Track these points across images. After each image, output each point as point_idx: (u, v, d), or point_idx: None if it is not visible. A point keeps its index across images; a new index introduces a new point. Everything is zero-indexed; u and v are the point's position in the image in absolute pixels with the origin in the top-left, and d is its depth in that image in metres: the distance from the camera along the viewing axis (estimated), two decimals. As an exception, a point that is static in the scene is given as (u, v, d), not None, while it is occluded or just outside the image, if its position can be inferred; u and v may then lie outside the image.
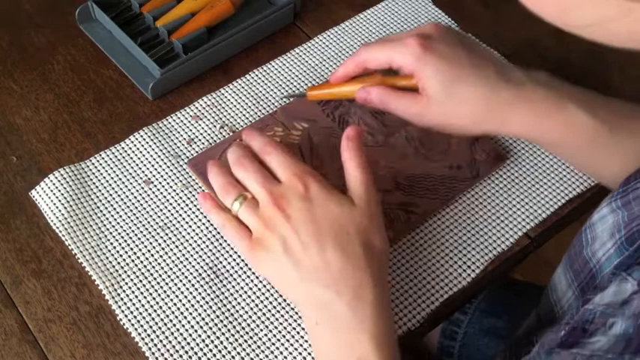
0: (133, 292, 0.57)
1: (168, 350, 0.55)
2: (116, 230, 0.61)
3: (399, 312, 0.58)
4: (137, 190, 0.63)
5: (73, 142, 0.67)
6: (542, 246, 0.64)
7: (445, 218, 0.62)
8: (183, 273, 0.58)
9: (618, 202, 0.48)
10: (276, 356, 0.55)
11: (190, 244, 0.60)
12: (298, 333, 0.56)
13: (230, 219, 0.52)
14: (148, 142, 0.66)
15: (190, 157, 0.65)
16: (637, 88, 0.72)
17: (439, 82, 0.55)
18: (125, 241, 0.60)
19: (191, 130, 0.67)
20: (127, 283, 0.58)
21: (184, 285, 0.58)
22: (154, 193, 0.63)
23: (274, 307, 0.57)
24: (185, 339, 0.55)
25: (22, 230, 0.61)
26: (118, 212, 0.62)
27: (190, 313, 0.56)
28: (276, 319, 0.56)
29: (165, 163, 0.65)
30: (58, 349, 0.55)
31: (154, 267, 0.59)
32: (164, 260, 0.59)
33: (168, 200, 0.63)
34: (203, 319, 0.56)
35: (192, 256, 0.59)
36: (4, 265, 0.59)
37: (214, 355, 0.54)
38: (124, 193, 0.63)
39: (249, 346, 0.55)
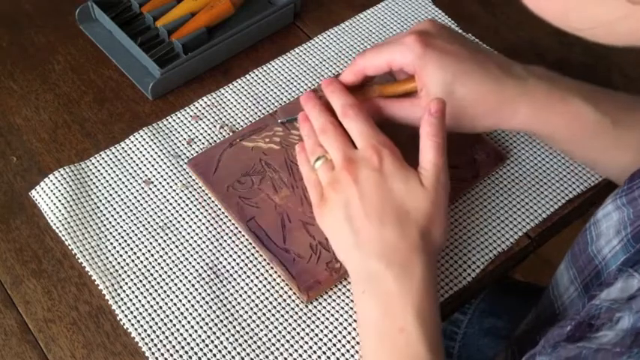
0: (133, 292, 0.57)
1: (168, 350, 0.55)
2: (116, 230, 0.61)
3: (399, 312, 0.58)
4: (137, 190, 0.63)
5: (73, 142, 0.67)
6: (542, 246, 0.64)
7: (445, 218, 0.62)
8: (183, 273, 0.58)
9: (623, 199, 0.48)
10: (276, 357, 0.55)
11: (190, 244, 0.60)
12: (298, 334, 0.56)
13: (311, 173, 0.56)
14: (148, 142, 0.66)
15: (190, 157, 0.65)
16: (637, 88, 0.72)
17: (443, 78, 0.54)
18: (125, 241, 0.60)
19: (191, 130, 0.67)
20: (127, 283, 0.58)
21: (184, 285, 0.58)
22: (153, 193, 0.63)
23: (274, 307, 0.57)
24: (185, 339, 0.55)
25: (22, 230, 0.61)
26: (118, 212, 0.62)
27: (190, 313, 0.56)
28: (276, 319, 0.56)
29: (165, 163, 0.65)
30: (58, 349, 0.55)
31: (153, 267, 0.59)
32: (164, 260, 0.59)
33: (168, 200, 0.63)
34: (203, 319, 0.56)
35: (192, 256, 0.59)
36: (4, 265, 0.59)
37: (214, 355, 0.54)
38: (124, 193, 0.63)
39: (249, 346, 0.55)
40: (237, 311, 0.57)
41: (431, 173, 0.52)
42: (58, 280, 0.58)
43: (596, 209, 0.52)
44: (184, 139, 0.67)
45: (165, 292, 0.57)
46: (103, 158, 0.65)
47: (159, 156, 0.65)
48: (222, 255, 0.60)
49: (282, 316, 0.57)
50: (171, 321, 0.56)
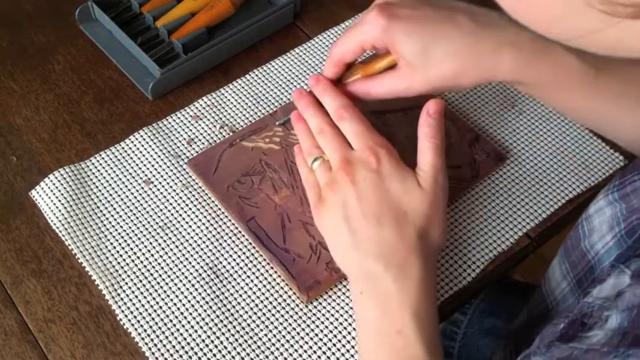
0: (133, 292, 0.57)
1: (168, 350, 0.55)
2: (116, 230, 0.61)
3: (399, 312, 0.58)
4: (137, 190, 0.63)
5: (73, 142, 0.67)
6: (542, 246, 0.64)
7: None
8: (183, 273, 0.58)
9: (615, 195, 0.48)
10: (276, 357, 0.55)
11: (190, 244, 0.60)
12: (298, 334, 0.56)
13: (309, 174, 0.56)
14: (148, 142, 0.66)
15: (190, 157, 0.65)
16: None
17: (413, 45, 0.52)
18: (125, 241, 0.60)
19: (191, 130, 0.67)
20: (127, 283, 0.58)
21: (184, 285, 0.58)
22: (153, 193, 0.63)
23: (274, 307, 0.57)
24: (185, 339, 0.55)
25: (22, 230, 0.61)
26: (118, 212, 0.62)
27: (190, 313, 0.56)
28: (276, 319, 0.56)
29: (165, 163, 0.65)
30: (58, 349, 0.55)
31: (153, 267, 0.59)
32: (164, 260, 0.59)
33: (168, 200, 0.63)
34: (203, 319, 0.56)
35: (192, 256, 0.59)
36: (4, 265, 0.59)
37: (214, 355, 0.54)
38: (124, 193, 0.63)
39: (249, 346, 0.55)
40: (237, 311, 0.57)
41: (429, 174, 0.52)
42: (58, 280, 0.58)
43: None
44: (184, 139, 0.67)
45: (165, 292, 0.57)
46: (103, 158, 0.65)
47: (159, 156, 0.65)
48: (222, 255, 0.59)
49: (282, 316, 0.57)
50: (171, 321, 0.56)
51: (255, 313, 0.57)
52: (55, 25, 0.76)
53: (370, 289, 0.50)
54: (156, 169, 0.64)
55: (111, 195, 0.63)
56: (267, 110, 0.69)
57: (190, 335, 0.55)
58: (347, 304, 0.57)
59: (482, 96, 0.71)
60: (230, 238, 0.60)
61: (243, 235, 0.60)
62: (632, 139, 0.55)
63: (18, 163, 0.65)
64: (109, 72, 0.72)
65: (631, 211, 0.46)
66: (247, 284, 0.58)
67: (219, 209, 0.62)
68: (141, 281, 0.58)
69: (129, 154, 0.65)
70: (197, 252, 0.60)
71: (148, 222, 0.61)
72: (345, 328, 0.56)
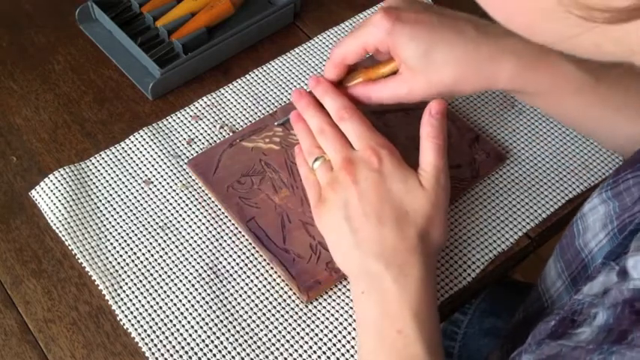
0: (133, 292, 0.57)
1: (168, 350, 0.55)
2: (116, 230, 0.61)
3: (399, 312, 0.58)
4: (137, 190, 0.63)
5: (73, 142, 0.67)
6: (542, 246, 0.64)
7: (445, 218, 0.63)
8: (183, 273, 0.58)
9: (609, 193, 0.48)
10: (276, 357, 0.55)
11: (190, 244, 0.60)
12: (298, 334, 0.56)
13: (310, 174, 0.56)
14: (148, 142, 0.66)
15: (190, 157, 0.65)
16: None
17: (416, 48, 0.53)
18: (125, 241, 0.60)
19: (191, 130, 0.67)
20: (126, 283, 0.58)
21: (184, 285, 0.58)
22: (153, 193, 0.63)
23: (274, 307, 0.57)
24: (185, 339, 0.55)
25: (22, 230, 0.61)
26: (118, 212, 0.62)
27: (190, 313, 0.56)
28: (276, 319, 0.56)
29: (165, 163, 0.65)
30: (58, 349, 0.55)
31: (153, 267, 0.59)
32: (164, 260, 0.59)
33: (168, 200, 0.63)
34: (203, 319, 0.56)
35: (192, 256, 0.59)
36: (4, 265, 0.59)
37: (214, 355, 0.54)
38: (124, 193, 0.63)
39: (249, 346, 0.55)
40: (237, 311, 0.57)
41: (431, 175, 0.52)
42: (58, 280, 0.58)
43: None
44: (184, 139, 0.67)
45: (165, 292, 0.57)
46: (103, 158, 0.65)
47: (159, 156, 0.65)
48: (222, 255, 0.60)
49: (282, 316, 0.57)
50: (171, 321, 0.56)
51: (255, 313, 0.57)
52: (55, 25, 0.76)
53: (371, 289, 0.50)
54: (156, 169, 0.64)
55: (111, 195, 0.63)
56: (267, 110, 0.69)
57: (190, 335, 0.55)
58: (347, 304, 0.57)
59: (483, 96, 0.71)
60: (230, 238, 0.60)
61: (243, 236, 0.60)
62: (630, 150, 0.55)
63: (18, 163, 0.65)
64: (109, 72, 0.72)
65: (623, 209, 0.46)
66: (247, 284, 0.58)
67: (219, 209, 0.62)
68: (141, 281, 0.58)
69: (129, 154, 0.65)
70: (197, 252, 0.60)
71: (148, 222, 0.61)
72: (345, 328, 0.56)
